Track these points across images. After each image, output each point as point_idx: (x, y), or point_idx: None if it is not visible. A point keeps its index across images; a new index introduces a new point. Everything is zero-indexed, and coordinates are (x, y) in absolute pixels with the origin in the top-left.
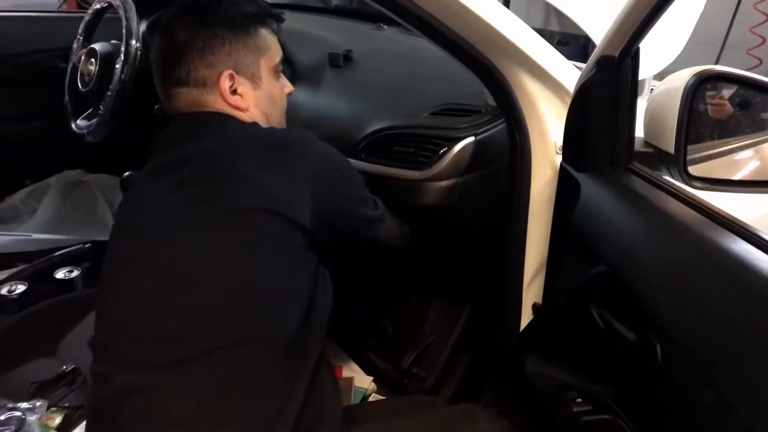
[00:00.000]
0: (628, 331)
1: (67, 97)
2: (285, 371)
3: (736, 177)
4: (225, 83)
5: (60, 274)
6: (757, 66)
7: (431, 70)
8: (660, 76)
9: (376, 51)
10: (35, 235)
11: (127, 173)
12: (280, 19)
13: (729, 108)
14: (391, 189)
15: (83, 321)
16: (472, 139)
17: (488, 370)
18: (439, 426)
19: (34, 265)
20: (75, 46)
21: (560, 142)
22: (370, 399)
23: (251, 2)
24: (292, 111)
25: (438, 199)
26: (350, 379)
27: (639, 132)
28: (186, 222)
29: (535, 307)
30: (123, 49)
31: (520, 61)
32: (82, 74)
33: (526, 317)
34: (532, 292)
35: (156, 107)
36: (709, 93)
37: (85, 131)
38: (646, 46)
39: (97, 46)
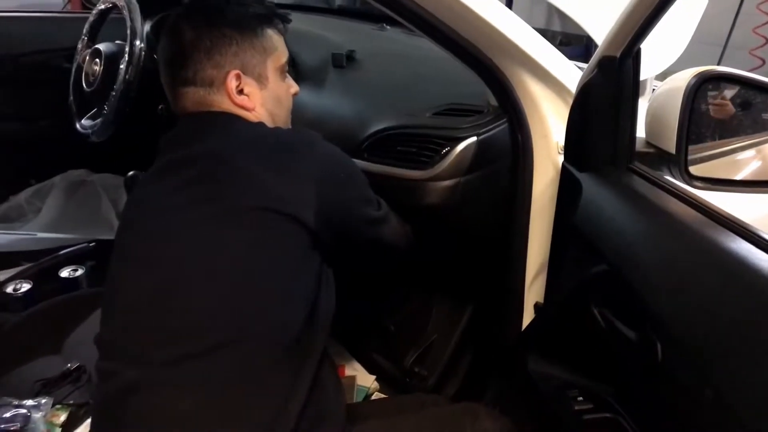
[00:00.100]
0: (629, 330)
1: (71, 97)
2: (288, 370)
3: (738, 177)
4: (232, 83)
5: (64, 273)
6: (760, 66)
7: (434, 70)
8: (662, 77)
9: (379, 51)
10: (40, 234)
11: (131, 173)
12: (286, 20)
13: (731, 108)
14: (393, 189)
15: (88, 319)
16: (474, 139)
17: (490, 369)
18: (441, 424)
19: (39, 263)
20: (79, 46)
21: (562, 142)
22: (373, 398)
23: (258, 3)
24: (295, 111)
25: (440, 199)
26: (353, 378)
27: (640, 132)
28: (191, 221)
29: (536, 306)
30: (127, 49)
31: (522, 62)
32: (86, 74)
33: (528, 316)
34: (533, 291)
35: (160, 107)
36: (711, 93)
37: (90, 131)
38: (648, 46)
39: (101, 46)
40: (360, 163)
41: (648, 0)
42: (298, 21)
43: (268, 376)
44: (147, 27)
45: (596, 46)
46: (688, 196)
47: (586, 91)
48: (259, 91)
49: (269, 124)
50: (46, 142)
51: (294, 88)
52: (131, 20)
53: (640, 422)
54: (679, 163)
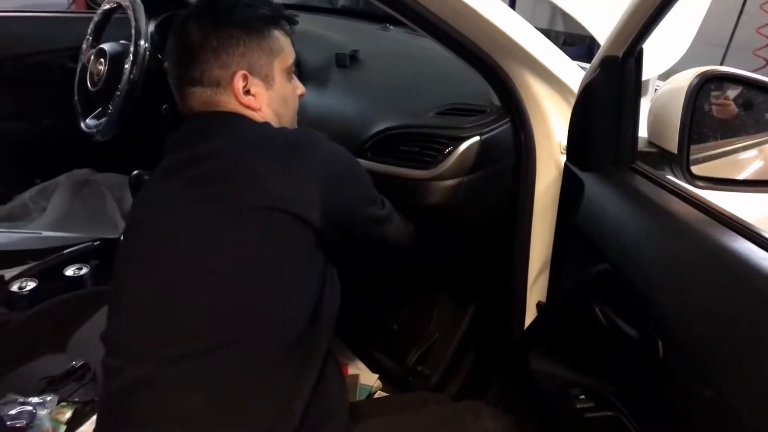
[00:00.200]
0: (631, 329)
1: (76, 97)
2: (292, 368)
3: (740, 177)
4: (238, 83)
5: (69, 272)
6: (763, 67)
7: (437, 70)
8: (665, 77)
9: (382, 51)
10: (45, 233)
11: (135, 172)
12: (293, 22)
13: (734, 108)
14: (396, 188)
15: (92, 317)
16: (477, 138)
17: (492, 368)
18: (444, 422)
19: (44, 262)
20: (84, 46)
21: (564, 141)
22: (375, 396)
23: (266, 4)
24: (299, 111)
25: (443, 198)
26: (355, 377)
27: (643, 132)
28: (196, 220)
29: (539, 305)
30: (132, 49)
31: (525, 62)
32: (91, 74)
33: (531, 316)
34: (536, 290)
35: (164, 107)
36: (714, 93)
37: (94, 130)
38: (651, 46)
39: (106, 46)
40: (363, 162)
41: (650, 0)
42: (302, 21)
43: (272, 374)
44: (151, 27)
45: (599, 46)
46: (690, 196)
47: (588, 91)
48: (265, 92)
49: (275, 124)
50: (50, 141)
51: (300, 89)
52: (136, 20)
53: (641, 421)
54: (681, 162)
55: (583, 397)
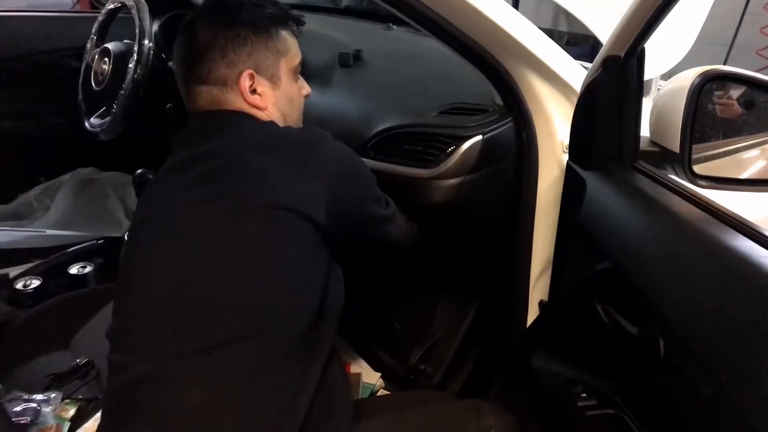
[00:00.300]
0: (633, 327)
1: (80, 96)
2: (298, 364)
3: (742, 176)
4: (245, 82)
5: (73, 270)
6: (767, 67)
7: (439, 69)
8: (667, 77)
9: (386, 51)
10: (49, 231)
11: (139, 171)
12: (300, 22)
13: (737, 108)
14: (399, 187)
15: (96, 316)
16: (479, 137)
17: (495, 366)
18: (446, 420)
19: (48, 260)
20: (88, 45)
21: (567, 141)
22: (378, 395)
23: (273, 4)
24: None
25: (445, 197)
26: (358, 375)
27: (645, 131)
28: (202, 217)
29: (541, 303)
30: (136, 48)
31: (528, 61)
32: (95, 73)
33: (533, 314)
34: (538, 289)
35: (168, 106)
36: (717, 93)
37: (98, 130)
38: (653, 46)
39: (110, 45)
40: (366, 161)
41: (651, 0)
42: (305, 20)
43: (277, 371)
44: (155, 26)
45: (602, 45)
46: (692, 195)
47: (590, 90)
48: (271, 91)
49: (281, 123)
50: (55, 140)
51: (306, 89)
52: (140, 19)
53: (643, 419)
54: (683, 161)
55: (585, 395)
